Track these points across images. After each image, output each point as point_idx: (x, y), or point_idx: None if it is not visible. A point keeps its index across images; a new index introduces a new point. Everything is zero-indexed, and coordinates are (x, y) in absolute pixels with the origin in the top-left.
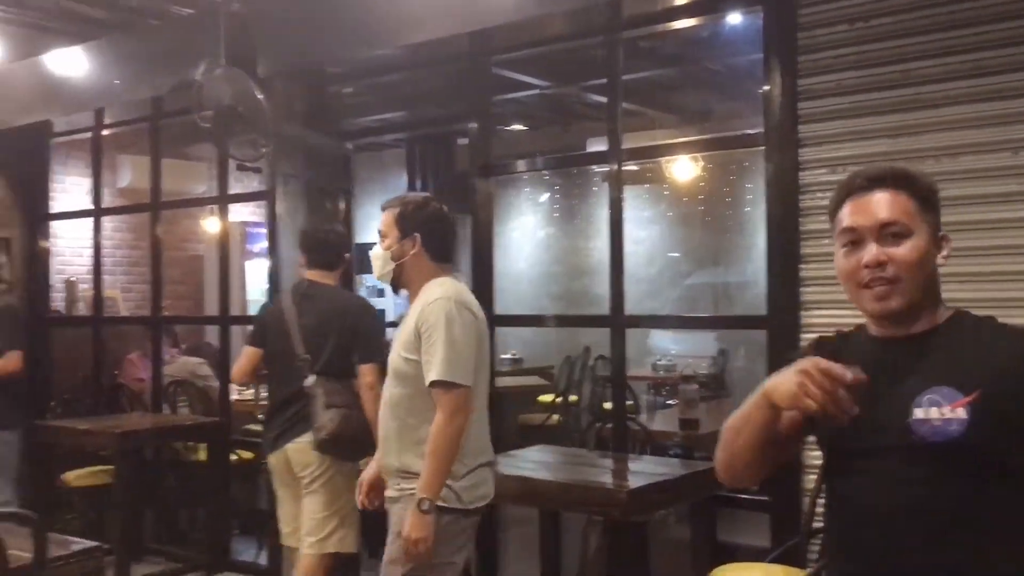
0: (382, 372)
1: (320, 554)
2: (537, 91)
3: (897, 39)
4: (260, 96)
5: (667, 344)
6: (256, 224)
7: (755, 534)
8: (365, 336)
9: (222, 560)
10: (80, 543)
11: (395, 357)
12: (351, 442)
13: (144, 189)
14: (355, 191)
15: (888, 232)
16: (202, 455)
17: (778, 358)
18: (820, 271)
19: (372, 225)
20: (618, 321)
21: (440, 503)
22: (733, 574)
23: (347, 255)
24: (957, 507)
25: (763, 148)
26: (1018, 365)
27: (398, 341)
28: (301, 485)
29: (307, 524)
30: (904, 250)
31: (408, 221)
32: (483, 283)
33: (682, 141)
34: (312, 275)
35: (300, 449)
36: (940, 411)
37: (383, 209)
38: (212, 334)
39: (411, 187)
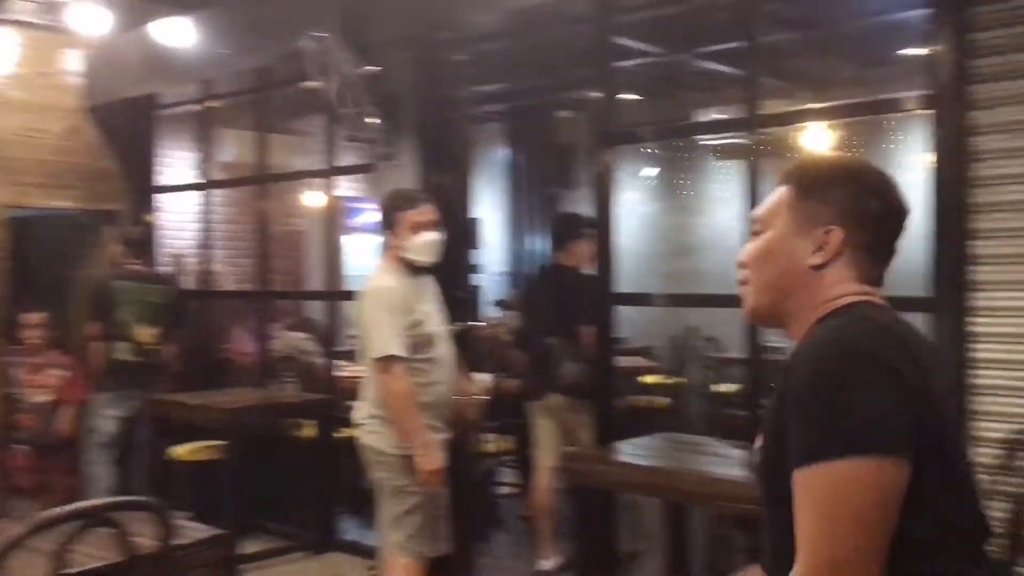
0: None
1: None
2: (648, 59)
3: None
4: (370, 66)
5: None
6: (354, 199)
7: None
8: (590, 305)
9: (328, 539)
10: (204, 530)
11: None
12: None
13: (244, 164)
14: None
15: (753, 232)
16: (308, 432)
17: (946, 342)
18: (995, 248)
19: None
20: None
21: None
22: None
23: (579, 237)
24: (772, 534)
25: (929, 111)
26: (782, 401)
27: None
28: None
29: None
30: (750, 247)
31: None
32: (603, 260)
33: (836, 105)
34: (557, 257)
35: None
36: (761, 437)
37: (429, 200)
38: (310, 309)
39: (512, 161)
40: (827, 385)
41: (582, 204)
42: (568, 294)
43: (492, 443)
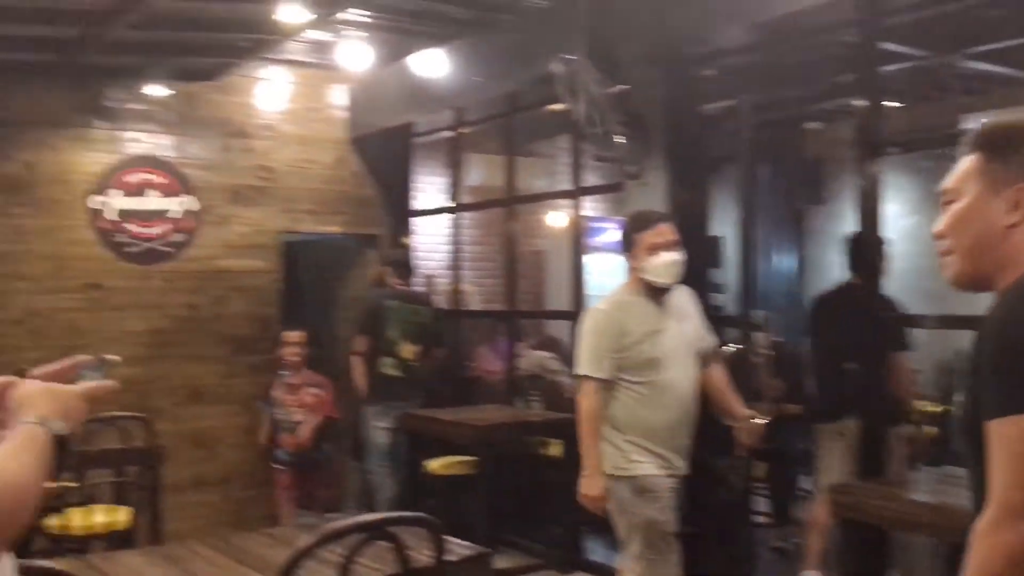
0: None
1: None
2: (912, 63)
3: None
4: (619, 85)
5: None
6: (597, 218)
7: None
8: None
9: (574, 558)
10: (468, 547)
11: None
12: None
13: (489, 187)
14: None
15: (945, 202)
16: (553, 450)
17: None
18: None
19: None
20: None
21: None
22: None
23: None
24: (975, 489)
25: None
26: (977, 356)
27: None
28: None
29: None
30: (945, 217)
31: None
32: (869, 278)
33: None
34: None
35: None
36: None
37: (667, 220)
38: (554, 328)
39: (753, 176)
40: (1017, 339)
41: (834, 219)
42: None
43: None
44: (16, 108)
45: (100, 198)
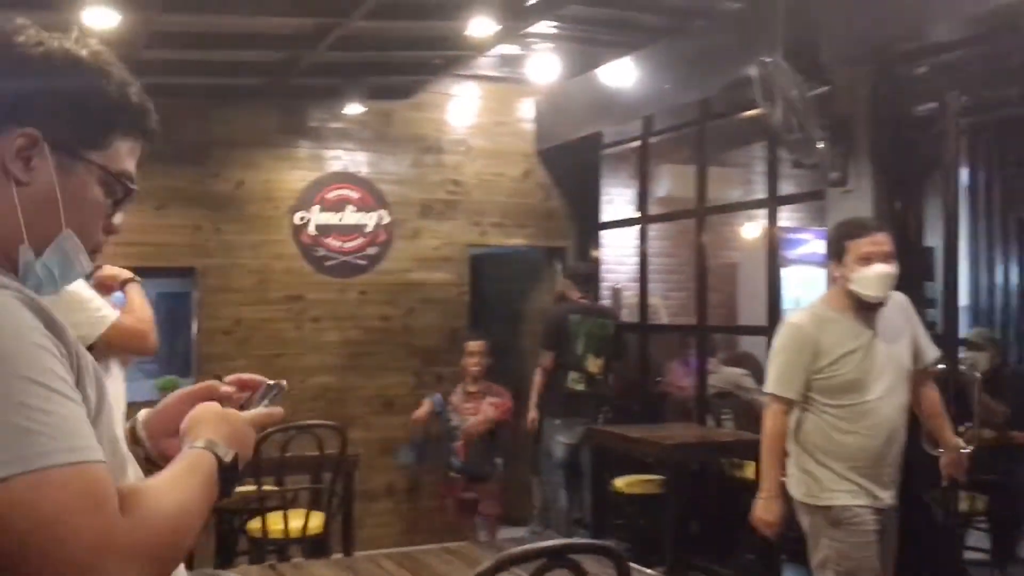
0: None
1: None
2: None
3: None
4: (820, 87)
5: None
6: (793, 229)
7: None
8: None
9: None
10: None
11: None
12: None
13: (679, 198)
14: None
15: None
16: (747, 472)
17: None
18: None
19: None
20: None
21: None
22: None
23: None
24: None
25: None
26: None
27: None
28: None
29: None
30: None
31: None
32: None
33: None
34: None
35: None
36: None
37: (883, 230)
38: (748, 343)
39: (975, 182)
40: None
41: None
42: None
43: (961, 502)
44: (229, 129)
45: (302, 214)
